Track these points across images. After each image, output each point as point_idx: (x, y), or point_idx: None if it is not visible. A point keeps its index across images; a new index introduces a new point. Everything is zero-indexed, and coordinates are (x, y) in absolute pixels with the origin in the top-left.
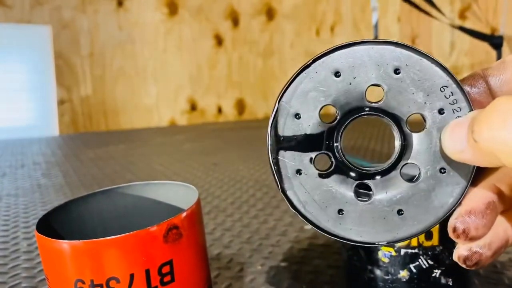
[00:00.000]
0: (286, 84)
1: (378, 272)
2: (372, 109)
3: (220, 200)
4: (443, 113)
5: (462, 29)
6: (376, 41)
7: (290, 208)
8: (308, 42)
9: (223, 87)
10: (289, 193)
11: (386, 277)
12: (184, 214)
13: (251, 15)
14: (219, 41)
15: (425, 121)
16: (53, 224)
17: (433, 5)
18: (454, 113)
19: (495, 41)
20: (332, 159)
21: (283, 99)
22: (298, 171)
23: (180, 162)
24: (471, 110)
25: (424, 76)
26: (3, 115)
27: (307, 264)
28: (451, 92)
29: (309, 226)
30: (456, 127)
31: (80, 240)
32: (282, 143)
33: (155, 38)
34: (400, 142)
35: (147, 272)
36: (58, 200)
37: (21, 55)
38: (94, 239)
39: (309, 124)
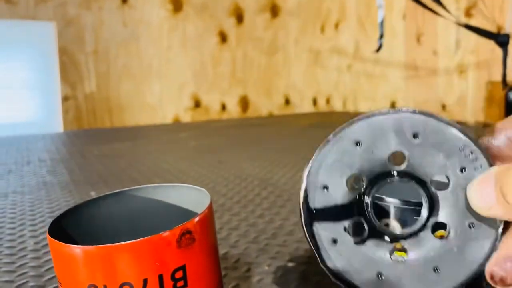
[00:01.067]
0: (311, 160)
1: None
2: (397, 174)
3: (226, 198)
4: (465, 171)
5: (468, 27)
6: (393, 111)
7: (332, 278)
8: (313, 39)
9: (227, 84)
10: (328, 263)
11: None
12: (197, 218)
13: (255, 12)
14: (223, 38)
15: (448, 180)
16: (64, 227)
17: (439, 2)
18: (475, 170)
19: (501, 39)
20: (365, 226)
21: (310, 175)
22: (334, 241)
23: (185, 160)
24: (491, 165)
25: (442, 139)
26: (7, 112)
27: (314, 264)
28: (471, 151)
29: None
30: (481, 184)
31: (93, 245)
32: (315, 216)
33: (159, 35)
34: (427, 203)
35: (160, 277)
36: (64, 197)
37: (25, 52)
38: (107, 245)
39: (338, 194)
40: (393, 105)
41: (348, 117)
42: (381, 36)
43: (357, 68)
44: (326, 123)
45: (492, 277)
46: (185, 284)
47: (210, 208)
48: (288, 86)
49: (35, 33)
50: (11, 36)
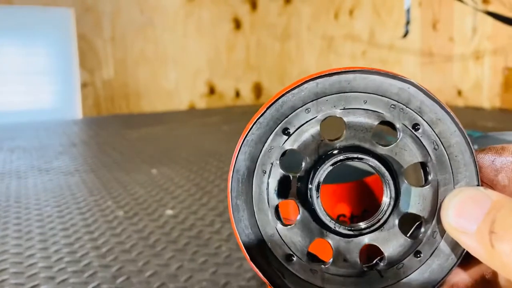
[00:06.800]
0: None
1: None
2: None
3: None
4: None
5: (488, 13)
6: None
7: None
8: (326, 26)
9: (241, 71)
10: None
11: None
12: None
13: None
14: (237, 24)
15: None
16: None
17: None
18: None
19: None
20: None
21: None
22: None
23: (225, 143)
24: (478, 183)
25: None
26: (26, 97)
27: None
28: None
29: None
30: (468, 202)
31: (352, 181)
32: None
33: (175, 22)
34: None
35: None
36: (129, 175)
37: (44, 37)
38: (365, 178)
39: None
40: None
41: None
42: (408, 23)
43: (371, 55)
44: None
45: None
46: None
47: None
48: (301, 73)
49: (54, 19)
50: (31, 21)
